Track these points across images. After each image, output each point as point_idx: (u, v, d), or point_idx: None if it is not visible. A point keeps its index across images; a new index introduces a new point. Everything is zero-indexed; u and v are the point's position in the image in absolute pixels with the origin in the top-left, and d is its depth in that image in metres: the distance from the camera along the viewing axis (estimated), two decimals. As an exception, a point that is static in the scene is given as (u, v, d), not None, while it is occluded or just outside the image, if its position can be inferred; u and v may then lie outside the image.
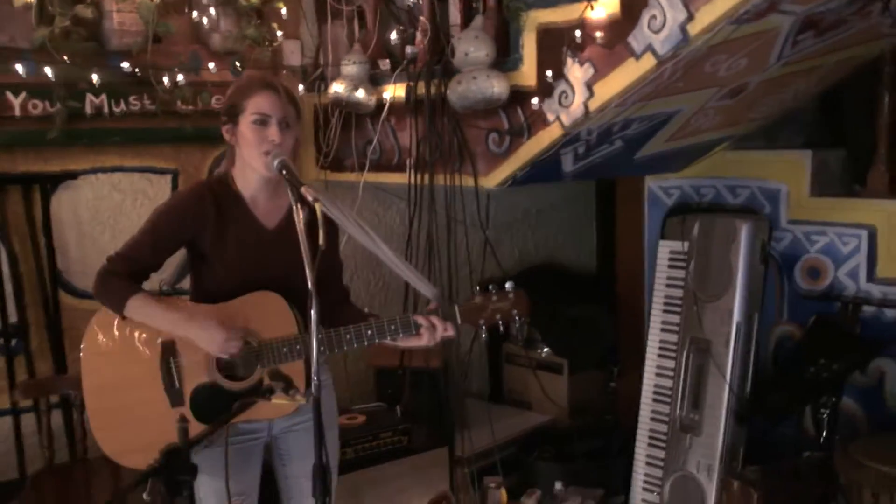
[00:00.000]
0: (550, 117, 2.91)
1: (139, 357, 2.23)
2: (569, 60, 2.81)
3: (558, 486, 3.49)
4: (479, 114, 3.14)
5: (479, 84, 2.94)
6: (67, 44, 3.19)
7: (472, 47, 2.97)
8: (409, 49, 3.35)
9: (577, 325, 4.00)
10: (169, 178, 3.66)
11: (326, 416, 2.43)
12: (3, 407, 3.24)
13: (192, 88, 3.54)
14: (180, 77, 3.44)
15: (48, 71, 3.11)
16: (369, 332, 2.26)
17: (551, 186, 4.61)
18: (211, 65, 3.54)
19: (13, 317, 3.25)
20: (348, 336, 2.25)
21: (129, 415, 2.21)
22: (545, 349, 4.22)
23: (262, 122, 2.21)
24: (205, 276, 2.34)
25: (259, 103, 2.22)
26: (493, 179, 3.18)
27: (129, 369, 2.23)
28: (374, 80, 3.57)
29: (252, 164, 2.26)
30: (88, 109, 3.31)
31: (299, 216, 2.05)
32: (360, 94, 3.49)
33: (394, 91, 3.47)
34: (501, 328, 2.32)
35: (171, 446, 1.51)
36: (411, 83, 3.34)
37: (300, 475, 2.42)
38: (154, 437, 2.04)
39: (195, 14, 3.53)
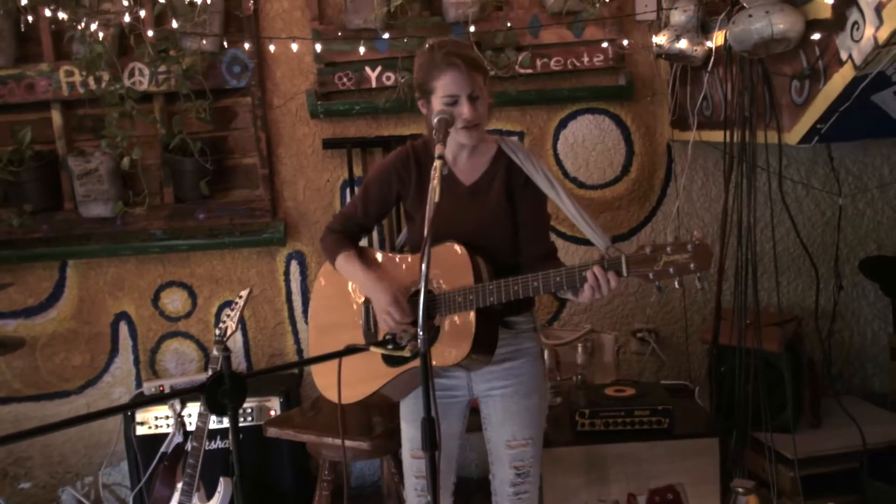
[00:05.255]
0: (843, 55, 2.34)
1: (349, 302, 2.49)
2: (860, -19, 2.22)
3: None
4: (784, 58, 2.66)
5: (756, 23, 2.49)
6: (412, 20, 3.58)
7: (757, -21, 2.53)
8: (723, -12, 2.96)
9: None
10: (515, 139, 3.82)
11: (528, 384, 2.44)
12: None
13: (531, 52, 3.64)
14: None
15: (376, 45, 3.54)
16: (535, 283, 2.18)
17: None
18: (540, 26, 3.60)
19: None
20: (516, 287, 2.20)
21: (334, 353, 2.50)
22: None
23: (453, 101, 2.27)
24: (411, 229, 2.51)
25: (446, 85, 2.26)
26: (795, 135, 2.67)
27: (341, 313, 2.51)
28: (706, 28, 3.23)
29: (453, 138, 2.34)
30: (433, 78, 3.65)
31: (437, 172, 2.07)
32: (682, 44, 3.19)
33: (716, 39, 3.11)
34: (677, 284, 2.04)
35: (217, 373, 1.69)
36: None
37: (498, 441, 2.45)
38: (351, 374, 2.32)
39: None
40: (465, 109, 2.26)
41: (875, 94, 2.41)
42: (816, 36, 2.40)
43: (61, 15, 3.31)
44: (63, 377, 3.90)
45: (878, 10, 2.14)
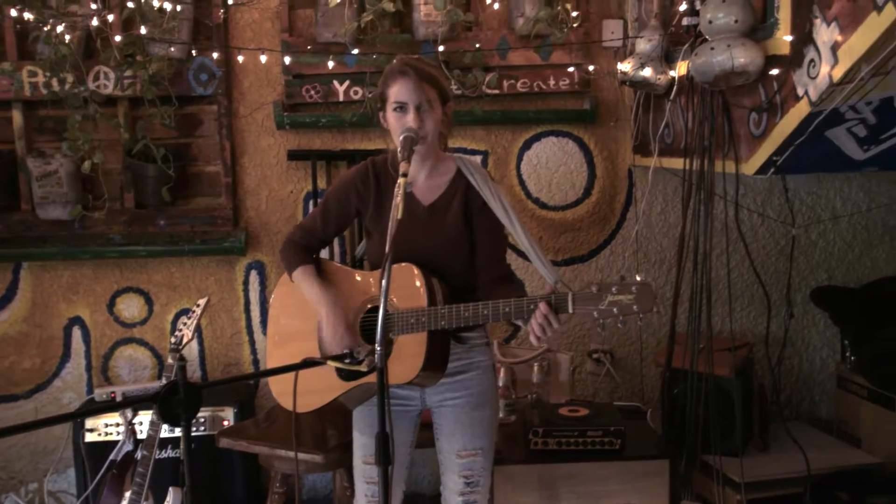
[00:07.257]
0: (800, 91, 2.42)
1: (306, 313, 2.49)
2: (817, 21, 2.30)
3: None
4: (743, 91, 2.73)
5: (717, 56, 2.55)
6: (382, 36, 3.60)
7: (720, 13, 2.60)
8: (687, 20, 3.03)
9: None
10: (479, 158, 3.87)
11: (479, 396, 2.46)
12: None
13: (499, 73, 3.69)
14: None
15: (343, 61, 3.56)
16: (485, 311, 2.21)
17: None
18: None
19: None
20: (467, 314, 2.22)
21: (290, 363, 2.49)
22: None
23: (401, 108, 2.30)
24: (369, 244, 2.53)
25: (396, 92, 2.30)
26: (752, 166, 2.74)
27: (298, 323, 2.51)
28: (670, 57, 3.31)
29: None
30: (400, 94, 3.67)
31: (401, 189, 2.09)
32: (647, 72, 3.26)
33: (679, 69, 3.18)
34: (620, 324, 2.08)
35: (171, 382, 1.68)
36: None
37: (449, 451, 2.47)
38: (306, 384, 2.31)
39: (504, -1, 3.65)
40: (409, 118, 2.28)
41: (829, 129, 2.49)
42: (775, 71, 2.48)
43: (27, 15, 3.27)
44: (11, 381, 3.82)
45: (834, 49, 2.22)
